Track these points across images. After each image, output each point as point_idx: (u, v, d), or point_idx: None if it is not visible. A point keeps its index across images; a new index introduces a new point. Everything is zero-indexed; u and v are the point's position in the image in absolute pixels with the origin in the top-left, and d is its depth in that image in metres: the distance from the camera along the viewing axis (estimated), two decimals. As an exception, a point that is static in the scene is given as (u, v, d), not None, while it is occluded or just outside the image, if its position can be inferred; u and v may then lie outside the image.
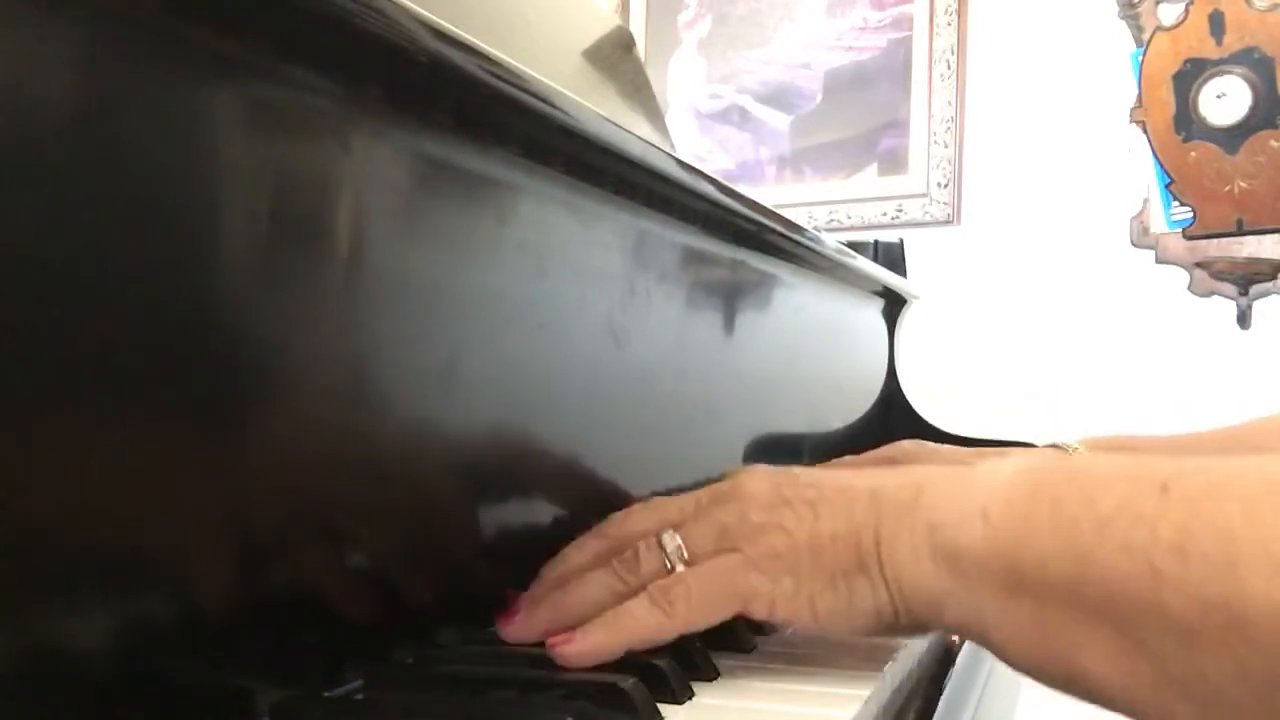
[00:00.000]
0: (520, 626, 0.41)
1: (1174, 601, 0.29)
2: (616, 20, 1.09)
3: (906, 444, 0.70)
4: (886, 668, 0.41)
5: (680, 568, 0.40)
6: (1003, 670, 0.64)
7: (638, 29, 2.35)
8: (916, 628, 0.40)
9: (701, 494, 0.43)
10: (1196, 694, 0.29)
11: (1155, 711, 0.31)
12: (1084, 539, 0.32)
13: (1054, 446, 0.66)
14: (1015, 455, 0.39)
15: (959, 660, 0.51)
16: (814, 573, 0.39)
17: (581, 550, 0.44)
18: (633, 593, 0.40)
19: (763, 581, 0.39)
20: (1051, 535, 0.33)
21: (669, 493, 0.59)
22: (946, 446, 0.70)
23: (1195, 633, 0.29)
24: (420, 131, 0.37)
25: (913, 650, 0.46)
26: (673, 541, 0.41)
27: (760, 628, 0.46)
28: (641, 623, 0.39)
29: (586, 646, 0.38)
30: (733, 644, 0.43)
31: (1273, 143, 1.74)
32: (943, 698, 0.45)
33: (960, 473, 0.39)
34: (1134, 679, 0.31)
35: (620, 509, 0.49)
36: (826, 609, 0.39)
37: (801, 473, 0.42)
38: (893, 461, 0.67)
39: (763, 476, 0.42)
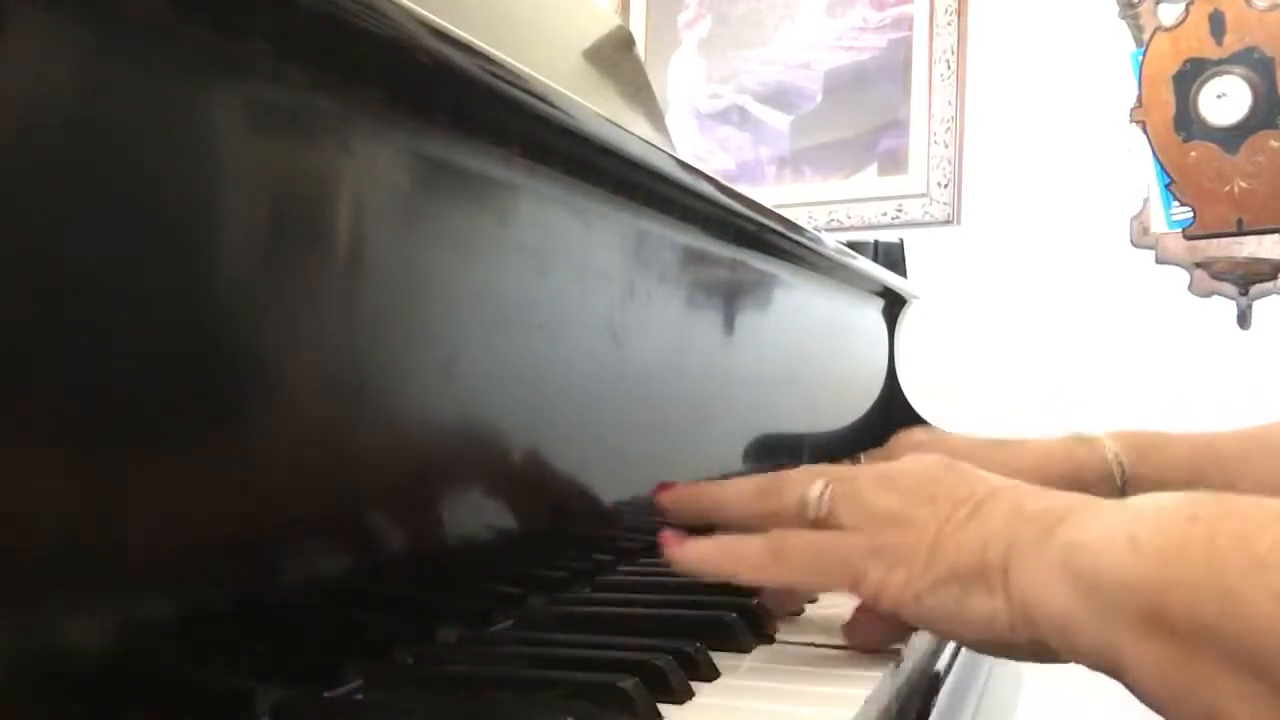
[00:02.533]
0: (669, 496, 0.48)
1: None
2: (616, 20, 1.09)
3: (917, 433, 0.69)
4: (886, 669, 0.41)
5: (811, 513, 0.42)
6: (1003, 671, 0.64)
7: (638, 29, 2.35)
8: (1037, 650, 0.37)
9: (870, 468, 0.45)
10: None
11: None
12: (1234, 580, 0.30)
13: (1075, 436, 0.65)
14: (1151, 498, 0.36)
15: (958, 661, 0.51)
16: (927, 569, 0.39)
17: (736, 486, 0.48)
18: (765, 514, 0.44)
19: (876, 568, 0.40)
20: (1202, 572, 0.31)
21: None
22: (956, 434, 0.69)
23: None
24: (420, 131, 0.37)
25: (913, 651, 0.46)
26: (816, 489, 0.43)
27: (763, 631, 0.45)
28: (750, 559, 0.41)
29: (692, 554, 0.42)
30: (732, 644, 0.43)
31: (1273, 143, 1.74)
32: (942, 698, 0.45)
33: (1115, 500, 0.37)
34: None
35: (620, 508, 0.50)
36: (931, 607, 0.39)
37: (967, 469, 0.43)
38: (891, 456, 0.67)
39: (932, 469, 0.43)
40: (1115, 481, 0.62)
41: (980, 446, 0.67)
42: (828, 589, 0.41)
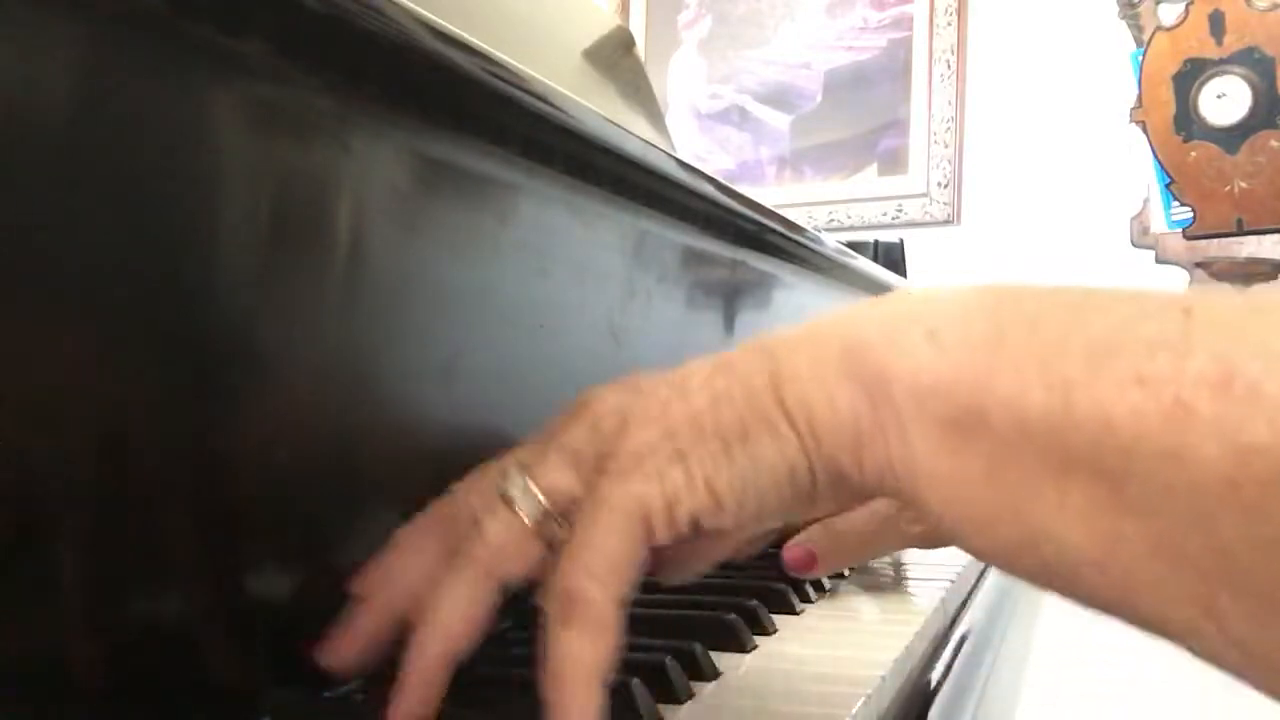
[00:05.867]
0: (336, 646, 0.31)
1: (1205, 448, 0.22)
2: (616, 20, 1.09)
3: None
4: (886, 669, 0.41)
5: (535, 517, 0.30)
6: (1003, 672, 0.64)
7: (638, 29, 2.35)
8: (834, 486, 0.30)
9: (539, 433, 0.33)
10: (1205, 567, 0.23)
11: (1141, 588, 0.24)
12: (1076, 367, 0.25)
13: None
14: (934, 289, 0.30)
15: (957, 663, 0.51)
16: (700, 447, 0.29)
17: (405, 551, 0.32)
18: (483, 573, 0.30)
19: (647, 486, 0.29)
20: (1031, 362, 0.26)
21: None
22: None
23: (1227, 488, 0.22)
24: (420, 131, 0.37)
25: (913, 651, 0.46)
26: (520, 482, 0.30)
27: (762, 627, 0.45)
28: (580, 650, 0.29)
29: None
30: (734, 643, 0.43)
31: (1273, 143, 1.74)
32: (940, 699, 0.45)
33: (879, 298, 0.31)
34: (1119, 545, 0.24)
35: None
36: (727, 486, 0.29)
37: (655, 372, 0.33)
38: None
39: (611, 384, 0.33)
40: None
41: None
42: (639, 554, 0.29)
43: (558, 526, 0.30)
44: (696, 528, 0.30)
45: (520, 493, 0.30)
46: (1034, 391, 0.25)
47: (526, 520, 0.30)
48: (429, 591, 0.30)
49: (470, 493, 0.32)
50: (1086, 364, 0.25)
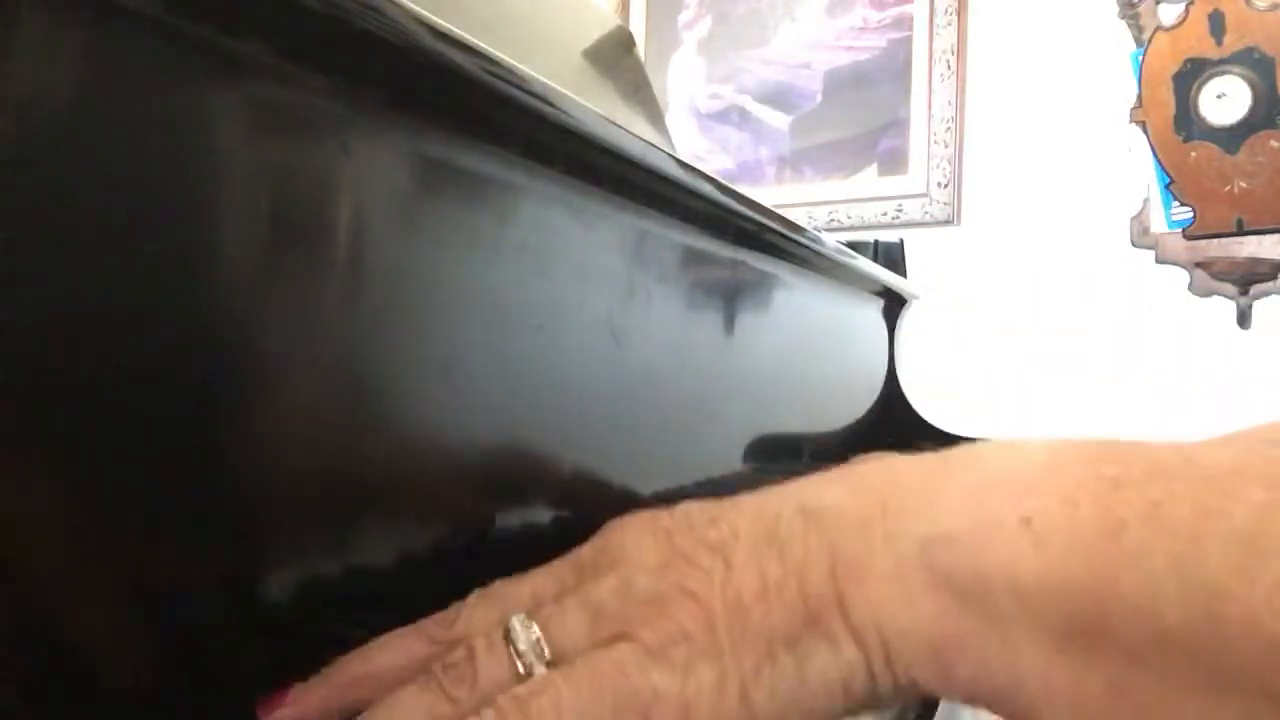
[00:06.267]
0: (283, 708, 0.29)
1: None
2: (616, 20, 1.09)
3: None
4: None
5: (540, 670, 0.27)
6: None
7: (638, 29, 2.35)
8: (900, 693, 0.27)
9: (564, 566, 0.31)
10: None
11: None
12: (1220, 570, 0.21)
13: None
14: (1019, 451, 0.27)
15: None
16: (741, 649, 0.26)
17: (390, 648, 0.30)
18: (467, 715, 0.27)
19: (669, 679, 0.26)
20: (1162, 562, 0.22)
21: (666, 495, 0.59)
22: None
23: None
24: (420, 131, 0.37)
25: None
26: (527, 633, 0.28)
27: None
28: None
29: None
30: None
31: (1273, 143, 1.74)
32: (943, 700, 0.45)
33: (943, 461, 0.27)
34: None
35: (620, 510, 0.49)
36: (767, 698, 0.26)
37: (695, 507, 0.30)
38: None
39: (644, 526, 0.30)
40: None
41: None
42: None
43: (545, 666, 0.28)
44: None
45: (528, 642, 0.28)
46: (1170, 598, 0.22)
47: (520, 667, 0.28)
48: (391, 690, 0.29)
49: (478, 624, 0.30)
50: (1231, 566, 0.21)
